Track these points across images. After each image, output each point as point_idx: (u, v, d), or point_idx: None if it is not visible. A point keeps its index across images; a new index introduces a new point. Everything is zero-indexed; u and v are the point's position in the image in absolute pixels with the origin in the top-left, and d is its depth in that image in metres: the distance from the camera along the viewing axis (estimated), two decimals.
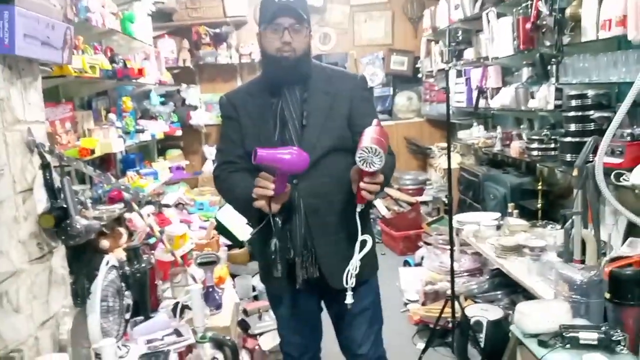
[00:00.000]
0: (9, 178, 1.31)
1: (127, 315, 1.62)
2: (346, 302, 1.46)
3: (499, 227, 2.87)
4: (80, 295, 1.56)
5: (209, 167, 4.80)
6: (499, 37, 3.04)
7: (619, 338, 1.57)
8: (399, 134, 5.12)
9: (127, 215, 2.50)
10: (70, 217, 1.44)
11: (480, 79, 3.48)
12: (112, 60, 2.67)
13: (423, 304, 3.13)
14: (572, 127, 2.33)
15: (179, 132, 4.25)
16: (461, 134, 4.13)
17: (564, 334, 1.63)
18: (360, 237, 1.44)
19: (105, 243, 2.23)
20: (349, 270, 1.45)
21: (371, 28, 5.16)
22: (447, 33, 2.98)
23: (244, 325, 2.59)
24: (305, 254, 1.57)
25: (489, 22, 3.16)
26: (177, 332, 1.68)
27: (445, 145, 2.94)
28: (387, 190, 4.57)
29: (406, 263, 3.82)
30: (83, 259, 1.70)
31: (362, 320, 1.67)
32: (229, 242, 3.37)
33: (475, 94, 3.48)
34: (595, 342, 1.58)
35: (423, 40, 4.89)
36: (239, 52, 4.86)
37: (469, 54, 3.70)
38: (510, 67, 3.29)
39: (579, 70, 2.28)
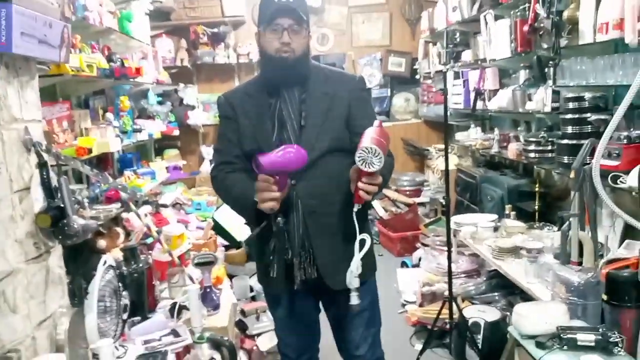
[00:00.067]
0: (5, 177, 1.31)
1: (125, 316, 1.61)
2: (351, 303, 1.45)
3: (496, 229, 2.87)
4: (77, 295, 1.55)
5: (206, 167, 4.80)
6: (497, 39, 3.05)
7: (616, 340, 1.57)
8: (397, 135, 5.12)
9: (124, 215, 2.50)
10: (67, 217, 1.43)
11: (477, 81, 3.49)
12: (109, 59, 2.67)
13: (420, 305, 3.13)
14: (569, 129, 2.33)
15: (176, 132, 4.24)
16: (459, 136, 4.14)
17: (561, 335, 1.63)
18: (359, 236, 1.44)
19: (102, 243, 2.23)
20: (352, 271, 1.44)
21: (369, 29, 5.16)
22: (445, 35, 2.97)
23: (241, 326, 2.58)
24: (303, 255, 1.56)
25: (486, 24, 3.16)
26: (175, 333, 1.67)
27: (442, 146, 2.95)
28: (384, 191, 4.57)
29: (404, 264, 3.82)
30: (80, 258, 1.69)
31: (360, 322, 1.67)
32: (226, 243, 3.36)
33: (472, 95, 3.50)
34: (593, 344, 1.58)
35: (421, 41, 4.90)
36: (237, 52, 4.86)
37: (466, 55, 3.70)
38: (507, 69, 3.30)
39: (576, 73, 2.29)
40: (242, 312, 2.66)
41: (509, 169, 3.44)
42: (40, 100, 1.55)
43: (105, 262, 1.54)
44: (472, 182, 3.61)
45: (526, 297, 2.27)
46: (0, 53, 1.29)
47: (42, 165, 1.43)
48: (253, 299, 3.01)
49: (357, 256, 1.44)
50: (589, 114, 2.22)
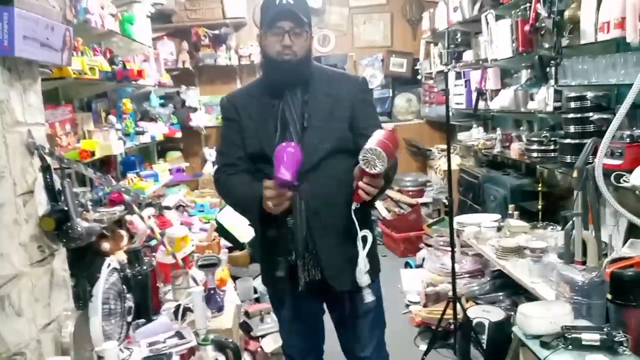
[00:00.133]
0: (9, 180, 1.31)
1: (129, 318, 1.62)
2: (365, 301, 1.45)
3: (499, 229, 2.87)
4: (81, 298, 1.55)
5: (209, 169, 4.80)
6: (498, 39, 3.05)
7: (621, 339, 1.57)
8: (399, 135, 5.12)
9: (127, 217, 2.49)
10: (71, 220, 1.43)
11: (479, 81, 3.49)
12: (111, 62, 2.67)
13: (424, 306, 3.12)
14: (572, 128, 2.33)
15: (178, 134, 4.24)
16: (461, 136, 4.13)
17: (566, 335, 1.63)
18: (360, 233, 1.43)
19: (106, 245, 2.23)
20: (360, 269, 1.43)
21: (370, 30, 5.16)
22: (446, 35, 2.98)
23: (246, 328, 2.58)
24: (307, 256, 1.56)
25: (487, 24, 3.16)
26: (179, 335, 1.68)
27: (445, 146, 2.94)
28: (387, 192, 4.57)
29: (407, 265, 3.82)
30: (84, 261, 1.69)
31: (365, 323, 1.67)
32: (229, 244, 3.36)
33: (474, 95, 3.49)
34: (598, 343, 1.58)
35: (422, 42, 4.90)
36: (238, 54, 4.86)
37: (468, 56, 3.70)
38: (509, 69, 3.30)
39: (578, 72, 2.29)
40: (246, 314, 2.66)
41: (511, 168, 3.43)
42: (43, 103, 1.55)
43: (109, 265, 1.54)
44: (475, 182, 3.61)
45: (530, 296, 2.27)
46: (3, 57, 1.29)
47: (45, 169, 1.43)
48: (257, 300, 3.01)
49: (362, 253, 1.44)
50: (591, 113, 2.21)
